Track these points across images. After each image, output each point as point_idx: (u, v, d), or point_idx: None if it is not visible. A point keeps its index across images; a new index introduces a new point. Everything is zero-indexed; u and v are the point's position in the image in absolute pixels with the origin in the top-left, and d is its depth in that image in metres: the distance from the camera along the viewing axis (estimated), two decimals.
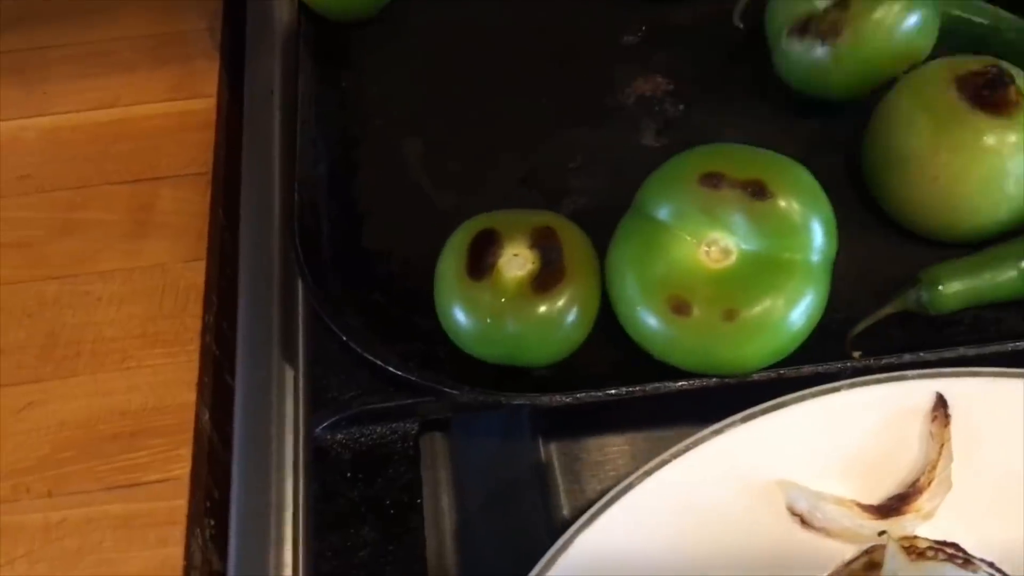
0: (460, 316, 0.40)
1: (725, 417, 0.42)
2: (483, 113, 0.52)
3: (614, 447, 0.45)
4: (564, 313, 0.40)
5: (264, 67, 0.60)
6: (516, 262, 0.40)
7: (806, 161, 0.43)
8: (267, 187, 0.54)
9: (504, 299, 0.39)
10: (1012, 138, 0.41)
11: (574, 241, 0.41)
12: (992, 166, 0.41)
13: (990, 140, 0.41)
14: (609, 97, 0.52)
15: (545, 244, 0.40)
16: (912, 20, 0.45)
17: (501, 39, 0.55)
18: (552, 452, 0.45)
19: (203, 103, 0.58)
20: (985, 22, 0.48)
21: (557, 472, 0.45)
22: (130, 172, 0.55)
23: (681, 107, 0.51)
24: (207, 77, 0.59)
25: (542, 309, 0.39)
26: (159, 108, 0.58)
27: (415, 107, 0.53)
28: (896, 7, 0.44)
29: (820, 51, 0.46)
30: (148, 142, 0.56)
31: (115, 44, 0.61)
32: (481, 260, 0.40)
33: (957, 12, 0.48)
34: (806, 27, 0.46)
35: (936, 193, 0.42)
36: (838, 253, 0.41)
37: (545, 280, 0.40)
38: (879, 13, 0.44)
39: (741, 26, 0.51)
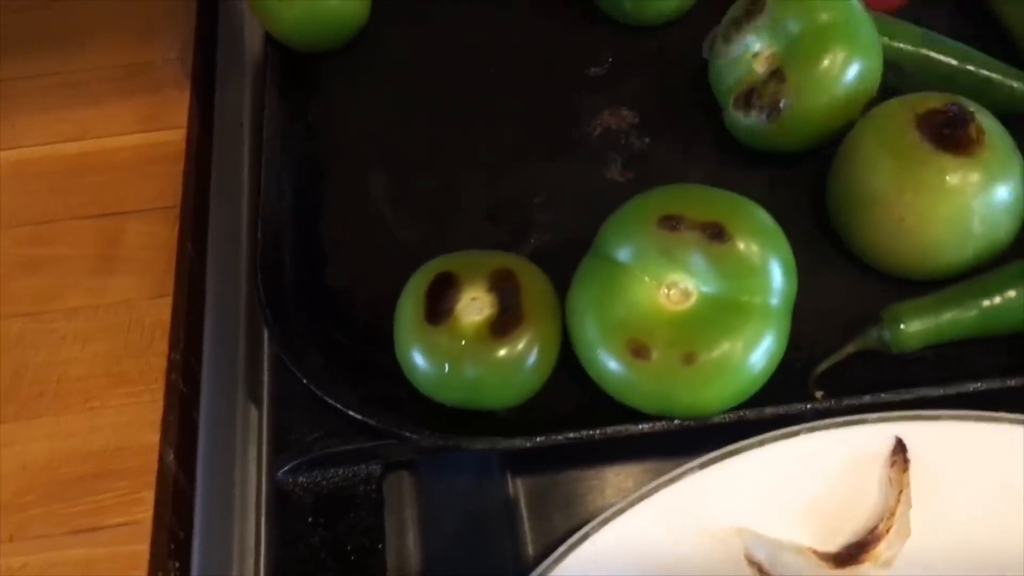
0: (419, 361, 0.40)
1: (695, 451, 0.42)
2: (449, 146, 0.52)
3: (584, 482, 0.45)
4: (523, 357, 0.40)
5: (234, 97, 0.59)
6: (474, 306, 0.40)
7: (771, 197, 0.42)
8: (235, 221, 0.54)
9: (462, 344, 0.39)
10: (975, 176, 0.41)
11: (533, 283, 0.41)
12: (957, 205, 0.41)
13: (953, 180, 0.41)
14: (575, 130, 0.51)
15: (503, 287, 0.40)
16: (851, 75, 0.44)
17: (468, 70, 0.54)
18: (520, 488, 0.45)
19: (172, 135, 0.58)
20: (953, 61, 0.48)
21: (525, 509, 0.45)
22: (97, 206, 0.55)
23: (647, 140, 0.51)
24: (177, 108, 0.59)
25: (500, 353, 0.39)
26: (128, 140, 0.57)
27: (381, 139, 0.53)
28: (832, 69, 0.44)
29: (765, 123, 0.45)
30: (116, 175, 0.56)
31: (85, 75, 0.60)
32: (439, 304, 0.40)
33: (924, 51, 0.48)
34: (749, 100, 0.46)
35: (902, 233, 0.42)
36: (800, 292, 0.41)
37: (503, 324, 0.39)
38: (816, 80, 0.44)
39: (706, 58, 0.51)
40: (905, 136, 0.41)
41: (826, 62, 0.44)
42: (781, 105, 0.44)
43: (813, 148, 0.47)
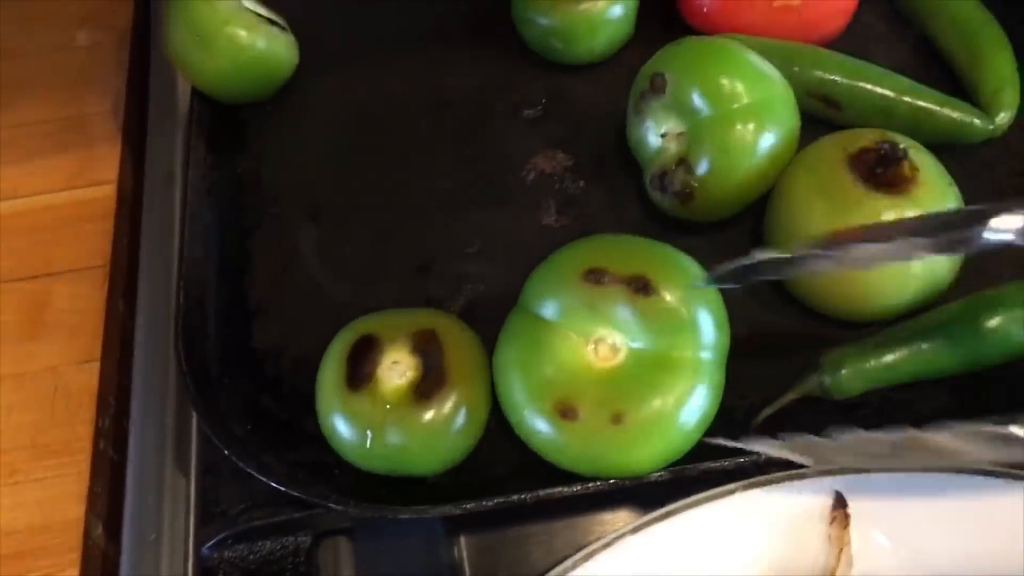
0: (342, 429, 0.39)
1: (645, 502, 0.40)
2: (380, 196, 0.51)
3: (531, 538, 0.44)
4: (449, 420, 0.38)
5: (165, 150, 0.58)
6: (396, 369, 0.39)
7: (709, 237, 0.41)
8: (166, 279, 0.52)
9: (385, 409, 0.38)
10: (910, 215, 0.39)
11: (458, 342, 0.40)
12: None
13: (889, 220, 0.39)
14: (509, 175, 0.50)
15: (426, 349, 0.39)
16: (764, 148, 0.43)
17: (398, 117, 0.53)
18: (464, 548, 0.43)
19: (103, 191, 0.56)
20: (889, 93, 0.47)
21: (469, 570, 0.43)
22: (25, 269, 0.53)
23: (581, 183, 0.50)
24: (108, 163, 0.58)
25: (425, 418, 0.38)
26: (57, 198, 0.56)
27: (311, 192, 0.51)
28: (743, 148, 0.42)
29: (679, 206, 0.45)
30: (45, 235, 0.54)
31: (15, 132, 0.59)
32: (359, 369, 0.38)
33: (860, 84, 0.47)
34: (663, 183, 0.44)
35: (841, 278, 0.41)
36: (741, 338, 0.40)
37: (427, 387, 0.38)
38: (725, 165, 0.43)
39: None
40: (837, 177, 0.40)
41: (735, 143, 0.42)
42: (691, 192, 0.43)
43: (737, 214, 0.46)
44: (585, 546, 0.38)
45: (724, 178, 0.42)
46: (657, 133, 0.44)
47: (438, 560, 0.43)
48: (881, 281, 0.40)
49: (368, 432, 0.38)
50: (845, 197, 0.40)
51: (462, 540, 0.43)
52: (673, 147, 0.44)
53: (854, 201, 0.40)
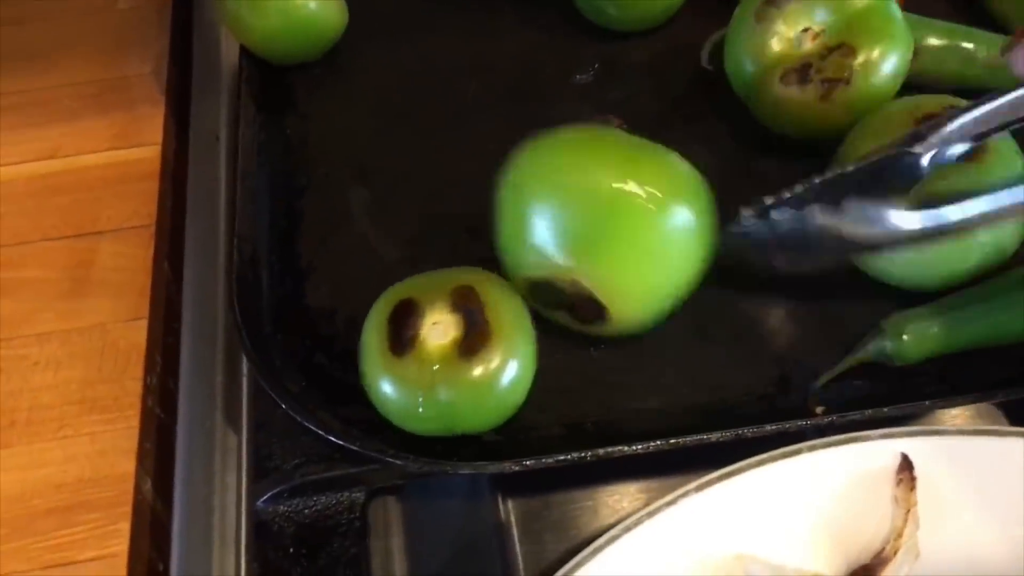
0: (391, 394, 0.39)
1: (694, 469, 0.40)
2: (431, 159, 0.50)
3: (577, 503, 0.44)
4: (497, 374, 0.38)
5: (210, 112, 0.58)
6: (438, 329, 0.38)
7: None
8: (213, 239, 0.52)
9: (433, 370, 0.38)
10: (979, 183, 0.39)
11: (498, 297, 0.39)
12: None
13: (957, 186, 0.39)
14: None
15: (466, 305, 0.39)
16: (900, 60, 0.44)
17: (449, 80, 0.53)
18: (511, 511, 0.44)
19: (147, 151, 0.56)
20: (969, 45, 0.47)
21: (516, 532, 0.43)
22: (70, 227, 0.53)
23: None
24: (151, 124, 0.57)
25: (474, 374, 0.38)
26: (101, 158, 0.56)
27: (361, 153, 0.51)
28: (901, 49, 0.43)
29: (823, 98, 0.44)
30: (89, 194, 0.54)
31: (57, 92, 0.59)
32: (402, 334, 0.38)
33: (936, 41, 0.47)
34: (805, 74, 0.44)
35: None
36: (800, 305, 0.41)
37: (471, 343, 0.38)
38: (889, 58, 0.44)
39: (710, 68, 0.49)
40: None
41: (893, 39, 0.44)
42: (846, 77, 0.43)
43: (839, 136, 0.45)
44: (646, 505, 0.38)
45: (876, 71, 0.43)
46: (796, 30, 0.44)
47: (485, 521, 0.43)
48: (946, 247, 0.40)
49: (419, 395, 0.37)
50: None
51: (508, 502, 0.43)
52: (814, 44, 0.44)
53: None
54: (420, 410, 0.38)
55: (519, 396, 0.40)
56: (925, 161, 0.35)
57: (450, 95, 0.53)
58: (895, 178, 0.35)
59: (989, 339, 0.40)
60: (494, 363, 0.38)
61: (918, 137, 0.35)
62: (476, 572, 0.42)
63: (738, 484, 0.35)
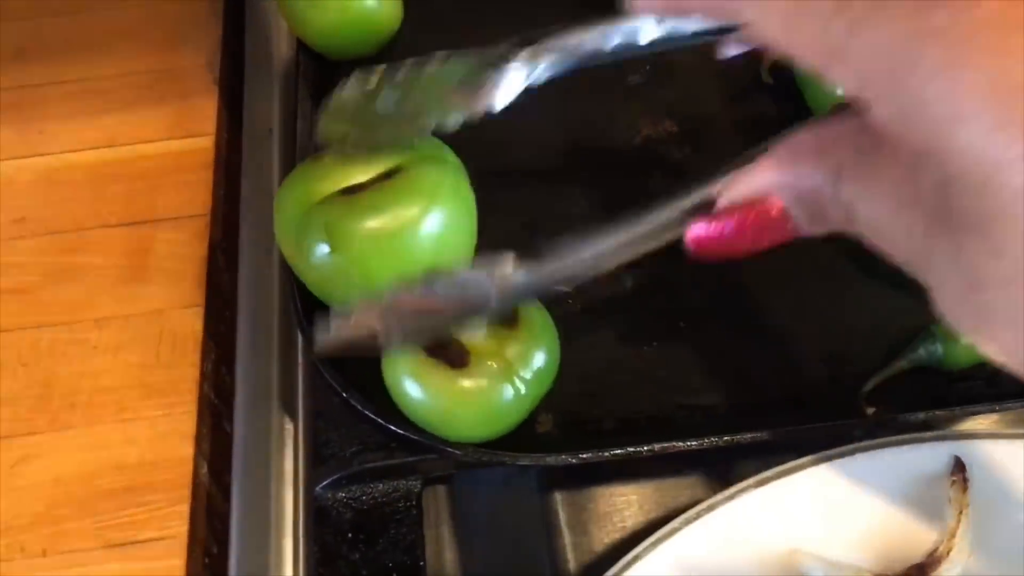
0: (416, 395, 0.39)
1: (739, 468, 0.41)
2: (483, 154, 0.51)
3: (622, 497, 0.45)
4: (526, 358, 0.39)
5: (263, 104, 0.59)
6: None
7: None
8: (267, 229, 0.53)
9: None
10: None
11: None
12: None
13: None
14: (614, 139, 0.51)
15: None
16: None
17: None
18: (558, 503, 0.44)
19: (201, 142, 0.57)
20: None
21: (563, 524, 0.44)
22: (127, 214, 0.54)
23: (687, 150, 0.50)
24: (205, 114, 0.58)
25: (509, 354, 0.39)
26: (157, 147, 0.57)
27: None
28: None
29: None
30: (145, 183, 0.55)
31: (113, 81, 0.60)
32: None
33: None
34: None
35: None
36: (848, 307, 0.42)
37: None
38: None
39: (771, 82, 0.50)
40: None
41: None
42: None
43: None
44: (697, 501, 0.38)
45: None
46: None
47: (532, 512, 0.44)
48: None
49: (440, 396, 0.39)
50: None
51: (556, 494, 0.44)
52: None
53: None
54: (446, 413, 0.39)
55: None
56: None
57: None
58: None
59: None
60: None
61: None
62: (524, 561, 0.43)
63: (795, 481, 0.35)
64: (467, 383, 0.38)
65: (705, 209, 0.29)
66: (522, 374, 0.38)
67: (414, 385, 0.39)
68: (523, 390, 0.38)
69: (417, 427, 0.41)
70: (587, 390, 0.43)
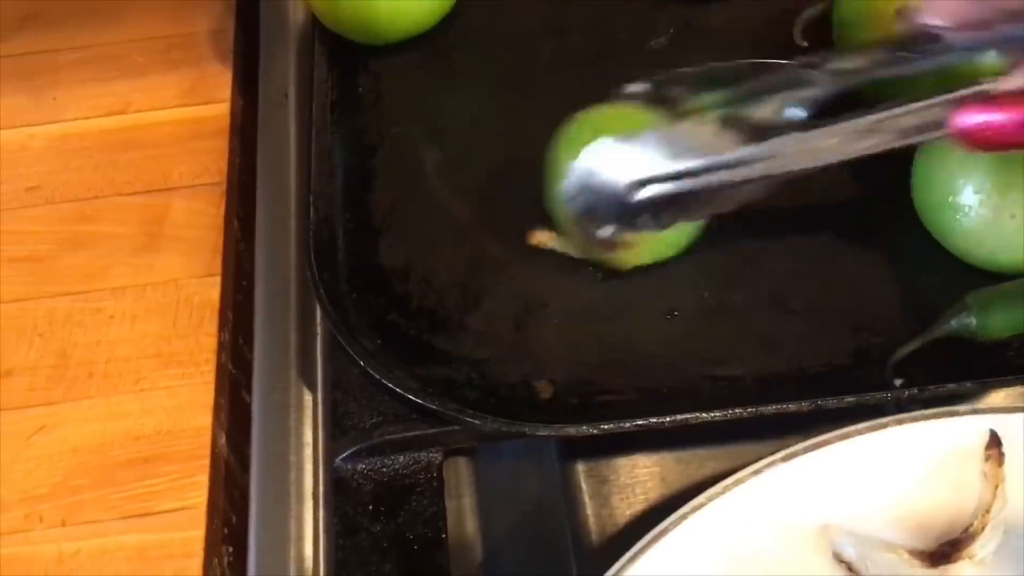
0: None
1: (764, 439, 0.40)
2: (502, 121, 0.50)
3: (643, 468, 0.44)
4: None
5: (279, 70, 0.58)
6: None
7: (852, 178, 0.41)
8: (283, 197, 0.53)
9: None
10: None
11: None
12: None
13: None
14: None
15: None
16: None
17: (522, 43, 0.53)
18: (580, 474, 0.44)
19: (216, 109, 0.56)
20: None
21: (585, 496, 0.44)
22: (142, 182, 0.53)
23: None
24: (220, 81, 0.57)
25: None
26: (171, 114, 0.56)
27: (433, 113, 0.51)
28: None
29: None
30: (160, 150, 0.54)
31: (125, 47, 0.59)
32: None
33: None
34: None
35: (1013, 230, 0.40)
36: (878, 276, 0.42)
37: None
38: None
39: (805, 44, 0.48)
40: None
41: None
42: None
43: None
44: (724, 474, 0.38)
45: None
46: None
47: (554, 483, 0.43)
48: None
49: None
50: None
51: (578, 464, 0.44)
52: None
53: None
54: None
55: None
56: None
57: (524, 57, 0.52)
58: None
59: None
60: None
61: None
62: (546, 532, 0.43)
63: (826, 455, 0.35)
64: None
65: (976, 99, 0.29)
66: None
67: None
68: None
69: (436, 397, 0.40)
70: (610, 360, 0.43)
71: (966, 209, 0.41)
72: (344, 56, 0.53)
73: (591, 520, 0.43)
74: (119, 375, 0.47)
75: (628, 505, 0.43)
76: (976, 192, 0.40)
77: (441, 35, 0.54)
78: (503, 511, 0.44)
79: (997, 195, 0.40)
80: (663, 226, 0.37)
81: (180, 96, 0.57)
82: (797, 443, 0.36)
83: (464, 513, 0.43)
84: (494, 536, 0.43)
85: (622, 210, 0.36)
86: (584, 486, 0.44)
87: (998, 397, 0.40)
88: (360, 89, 0.52)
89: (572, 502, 0.43)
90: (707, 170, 0.34)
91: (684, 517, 0.34)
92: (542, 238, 0.45)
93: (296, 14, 0.59)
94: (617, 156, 0.35)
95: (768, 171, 0.34)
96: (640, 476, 0.44)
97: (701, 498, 0.34)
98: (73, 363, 0.47)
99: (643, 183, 0.35)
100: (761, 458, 0.36)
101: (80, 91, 0.57)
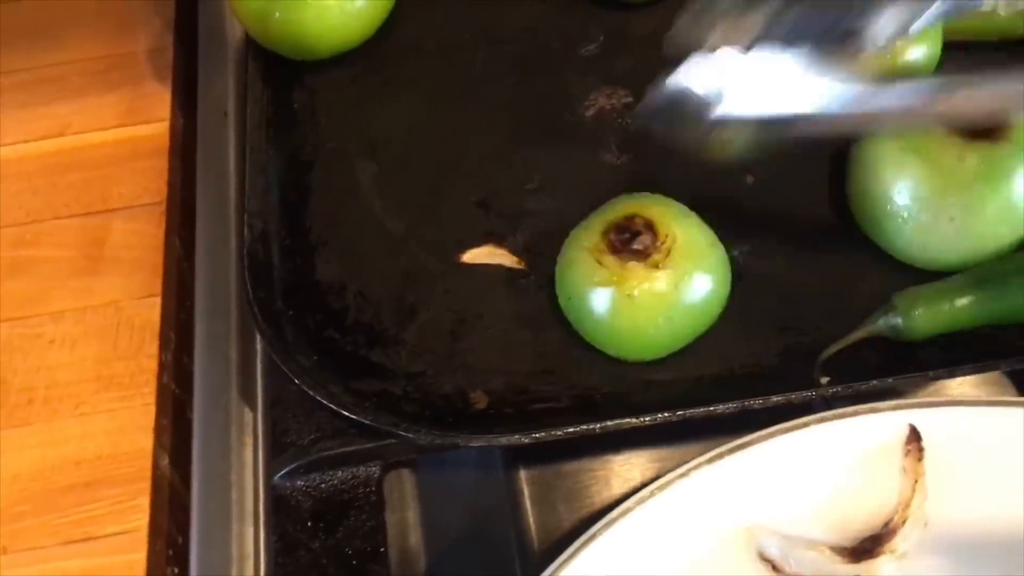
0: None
1: (701, 438, 0.41)
2: (438, 134, 0.50)
3: (588, 472, 0.44)
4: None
5: (218, 87, 0.58)
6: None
7: (785, 174, 0.41)
8: (223, 215, 0.53)
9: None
10: (1015, 159, 0.39)
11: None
12: (1008, 193, 0.40)
13: (1000, 167, 0.39)
14: (568, 112, 0.50)
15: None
16: None
17: (454, 53, 0.53)
18: (524, 481, 0.44)
19: (155, 128, 0.56)
20: None
21: (529, 503, 0.44)
22: (81, 204, 0.53)
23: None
24: (159, 100, 0.57)
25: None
26: (110, 135, 0.56)
27: (369, 127, 0.51)
28: None
29: None
30: (99, 172, 0.54)
31: (63, 69, 0.59)
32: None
33: None
34: None
35: (952, 232, 0.41)
36: (807, 274, 0.42)
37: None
38: None
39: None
40: (932, 135, 0.40)
41: None
42: None
43: None
44: (657, 477, 0.38)
45: None
46: None
47: (498, 491, 0.44)
48: (994, 228, 0.40)
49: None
50: (942, 151, 0.40)
51: (521, 473, 0.44)
52: None
53: (953, 154, 0.40)
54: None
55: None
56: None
57: (455, 67, 0.53)
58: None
59: (1004, 319, 0.40)
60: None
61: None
62: (490, 541, 0.43)
63: (749, 456, 0.35)
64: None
65: None
66: None
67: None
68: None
69: (370, 411, 0.40)
70: (543, 368, 0.43)
71: (905, 216, 0.42)
72: (279, 72, 0.53)
73: (536, 527, 0.43)
74: (59, 400, 0.46)
75: (572, 511, 0.43)
76: (914, 198, 0.41)
77: (376, 48, 0.54)
78: (447, 521, 0.44)
79: (935, 199, 0.41)
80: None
81: (119, 116, 0.56)
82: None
83: (408, 525, 0.43)
84: (438, 546, 0.43)
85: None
86: (528, 493, 0.44)
87: (923, 393, 0.41)
88: (295, 105, 0.52)
89: (517, 509, 0.43)
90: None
91: (613, 521, 0.34)
92: (475, 255, 0.45)
93: (234, 31, 0.59)
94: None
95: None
96: (585, 480, 0.44)
97: (630, 502, 0.35)
98: (13, 390, 0.47)
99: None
100: None
101: (18, 114, 0.57)
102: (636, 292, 0.39)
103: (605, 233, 0.41)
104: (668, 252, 0.40)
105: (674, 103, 0.36)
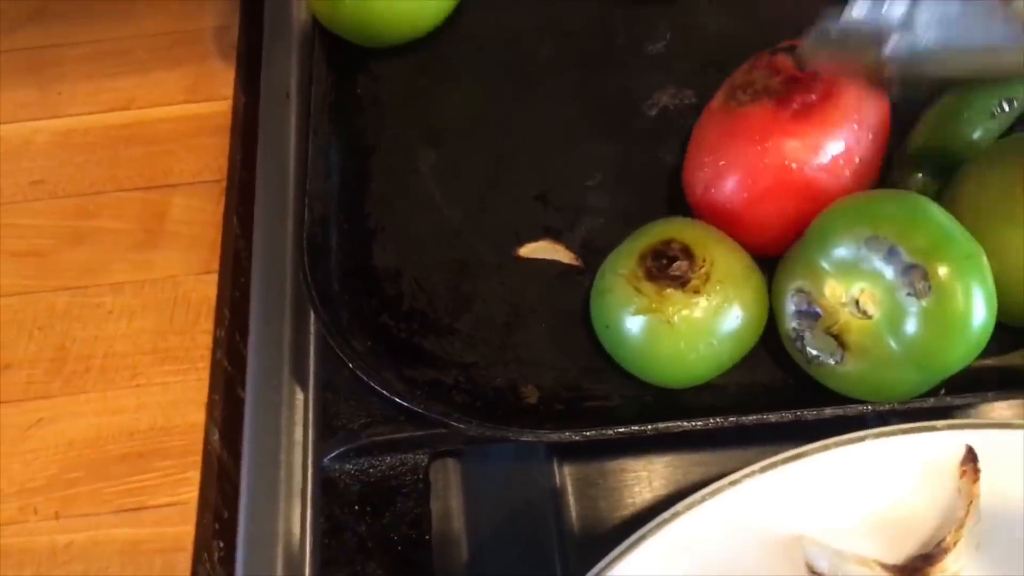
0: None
1: (748, 445, 0.41)
2: (500, 125, 0.51)
3: (631, 472, 0.44)
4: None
5: (281, 68, 0.58)
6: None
7: None
8: (282, 196, 0.53)
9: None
10: None
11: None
12: None
13: None
14: (631, 110, 0.50)
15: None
16: None
17: (520, 46, 0.53)
18: (567, 476, 0.44)
19: (218, 106, 0.57)
20: None
21: (572, 498, 0.44)
22: (143, 178, 0.54)
23: None
24: (223, 78, 0.58)
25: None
26: (174, 111, 0.57)
27: (430, 116, 0.51)
28: None
29: None
30: (162, 146, 0.55)
31: (131, 43, 0.59)
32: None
33: None
34: None
35: None
36: None
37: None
38: None
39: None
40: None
41: None
42: None
43: None
44: (701, 481, 0.38)
45: None
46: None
47: (541, 486, 0.44)
48: None
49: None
50: None
51: (565, 468, 0.44)
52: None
53: None
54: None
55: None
56: None
57: (520, 60, 0.53)
58: None
59: None
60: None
61: None
62: (531, 534, 0.43)
63: (802, 467, 0.35)
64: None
65: None
66: None
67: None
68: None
69: (423, 400, 0.41)
70: (596, 366, 0.43)
71: None
72: (343, 57, 0.53)
73: (577, 523, 0.43)
74: (116, 370, 0.47)
75: (614, 509, 0.43)
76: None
77: (440, 37, 0.54)
78: (490, 512, 0.44)
79: None
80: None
81: (183, 93, 0.57)
82: (782, 451, 0.36)
83: (451, 513, 0.44)
84: (480, 536, 0.43)
85: None
86: (571, 489, 0.44)
87: (978, 413, 0.40)
88: (358, 90, 0.53)
89: (559, 504, 0.43)
90: None
91: (661, 525, 0.34)
92: (532, 249, 0.45)
93: (300, 12, 0.60)
94: None
95: None
96: (627, 480, 0.44)
97: (679, 506, 0.35)
98: (71, 357, 0.48)
99: None
100: (749, 464, 0.36)
101: (84, 86, 0.58)
102: (676, 319, 0.39)
103: (642, 259, 0.40)
104: (707, 277, 0.39)
105: (845, 36, 0.36)
